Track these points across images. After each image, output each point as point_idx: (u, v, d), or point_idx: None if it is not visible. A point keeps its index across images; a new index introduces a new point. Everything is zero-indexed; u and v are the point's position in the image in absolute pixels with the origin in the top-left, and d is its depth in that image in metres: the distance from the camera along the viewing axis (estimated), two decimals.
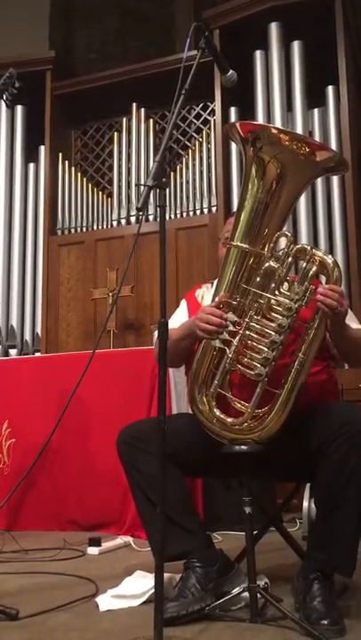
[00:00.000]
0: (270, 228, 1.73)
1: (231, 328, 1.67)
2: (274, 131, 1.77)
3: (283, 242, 1.72)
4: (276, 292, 1.68)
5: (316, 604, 1.58)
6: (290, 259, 1.69)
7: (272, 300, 1.68)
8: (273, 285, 1.69)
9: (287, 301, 1.66)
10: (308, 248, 1.71)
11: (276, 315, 1.67)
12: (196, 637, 1.46)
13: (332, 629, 1.50)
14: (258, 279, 1.70)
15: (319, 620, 1.53)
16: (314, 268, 1.68)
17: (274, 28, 4.56)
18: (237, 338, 1.68)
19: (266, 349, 1.65)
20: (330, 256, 1.70)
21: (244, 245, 1.73)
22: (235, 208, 1.95)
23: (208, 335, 1.70)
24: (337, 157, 1.74)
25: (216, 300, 1.74)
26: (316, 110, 4.54)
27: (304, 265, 1.69)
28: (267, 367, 1.64)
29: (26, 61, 4.97)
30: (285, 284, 1.70)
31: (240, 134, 1.76)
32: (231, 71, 1.88)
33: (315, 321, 1.66)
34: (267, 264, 1.70)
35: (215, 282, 1.87)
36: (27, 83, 2.19)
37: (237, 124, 1.78)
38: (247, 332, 1.67)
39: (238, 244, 1.74)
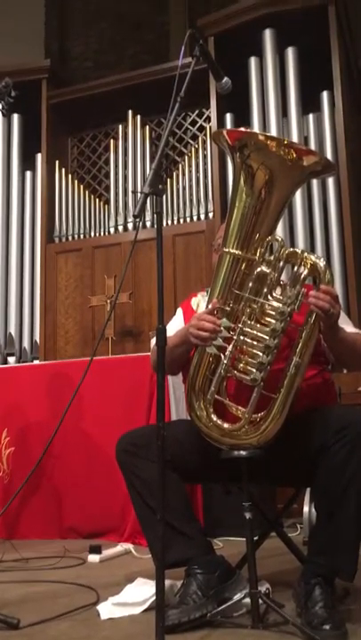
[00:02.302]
0: (261, 233, 1.73)
1: (225, 334, 1.67)
2: (260, 137, 1.78)
3: (275, 246, 1.73)
4: (269, 297, 1.69)
5: (317, 609, 1.57)
6: (281, 263, 1.70)
7: (265, 305, 1.68)
8: (265, 290, 1.69)
9: (280, 305, 1.66)
10: (300, 252, 1.71)
11: (269, 319, 1.67)
12: None
13: (334, 634, 1.50)
14: (250, 284, 1.70)
15: (321, 625, 1.52)
16: (306, 272, 1.69)
17: (268, 35, 4.59)
18: (232, 344, 1.68)
19: (260, 354, 1.65)
20: (322, 259, 1.70)
21: (236, 251, 1.73)
22: None
23: (202, 342, 1.70)
24: (323, 161, 1.75)
25: (209, 306, 1.74)
26: (311, 116, 4.57)
27: (296, 269, 1.69)
28: (262, 372, 1.65)
29: (21, 70, 4.99)
30: (278, 288, 1.71)
31: (228, 142, 1.77)
32: (226, 78, 1.89)
33: (308, 323, 1.66)
34: (258, 269, 1.70)
35: (209, 289, 1.87)
36: (23, 92, 2.20)
37: (224, 132, 1.79)
38: (241, 338, 1.68)
39: (230, 250, 1.74)
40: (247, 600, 1.62)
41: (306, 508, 2.70)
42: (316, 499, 1.78)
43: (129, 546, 2.79)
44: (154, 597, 1.47)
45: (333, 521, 1.64)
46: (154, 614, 1.36)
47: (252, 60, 4.65)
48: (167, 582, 1.66)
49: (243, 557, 1.93)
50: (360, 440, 1.60)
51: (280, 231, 1.70)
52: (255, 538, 1.81)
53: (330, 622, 1.52)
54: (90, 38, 6.28)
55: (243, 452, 1.68)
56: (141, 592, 1.85)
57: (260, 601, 1.59)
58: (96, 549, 2.61)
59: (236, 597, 1.65)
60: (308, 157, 1.72)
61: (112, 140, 5.32)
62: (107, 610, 1.79)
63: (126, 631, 1.62)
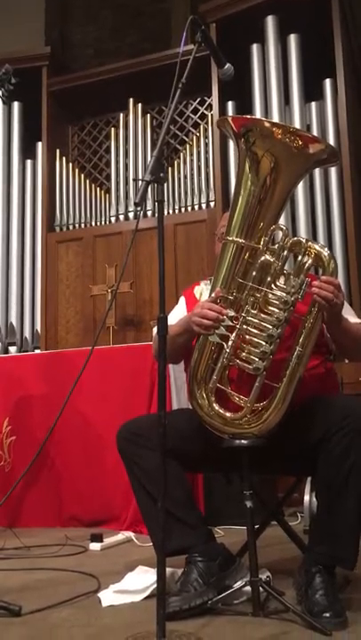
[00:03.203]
0: (265, 222, 1.72)
1: (228, 323, 1.67)
2: (266, 124, 1.77)
3: (279, 235, 1.72)
4: (273, 286, 1.68)
5: (318, 596, 1.58)
6: (285, 252, 1.69)
7: (269, 294, 1.68)
8: (269, 279, 1.68)
9: (283, 295, 1.66)
10: (304, 241, 1.71)
11: (272, 308, 1.67)
12: (198, 631, 1.47)
13: (335, 622, 1.51)
14: (254, 273, 1.69)
15: (321, 612, 1.53)
16: (310, 261, 1.68)
17: (270, 22, 4.54)
18: (235, 332, 1.68)
19: (263, 343, 1.65)
20: (326, 248, 1.70)
21: (240, 240, 1.72)
22: None
23: (205, 330, 1.69)
24: (329, 149, 1.74)
25: (212, 295, 1.73)
26: (313, 104, 4.53)
27: (300, 258, 1.69)
28: (265, 361, 1.64)
29: (21, 58, 4.95)
30: (282, 277, 1.70)
31: (233, 129, 1.76)
32: (228, 64, 1.88)
33: (311, 313, 1.66)
34: (262, 258, 1.69)
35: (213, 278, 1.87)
36: (23, 79, 2.18)
37: (229, 119, 1.78)
38: (244, 327, 1.67)
39: (234, 238, 1.73)
40: (248, 588, 1.63)
41: (307, 497, 2.71)
42: (317, 488, 1.79)
43: (130, 534, 2.81)
44: (155, 585, 1.48)
45: (334, 510, 1.64)
46: (155, 602, 1.37)
47: (255, 47, 4.61)
48: (168, 570, 1.67)
49: (243, 545, 1.94)
50: None
51: (282, 220, 1.68)
52: (256, 526, 1.81)
53: (330, 610, 1.53)
54: (91, 26, 6.22)
55: (244, 442, 1.68)
56: (142, 580, 1.86)
57: (261, 589, 1.60)
58: (97, 538, 2.63)
59: (237, 585, 1.66)
60: (314, 145, 1.71)
61: (113, 129, 5.28)
62: (108, 597, 1.80)
63: (127, 618, 1.63)
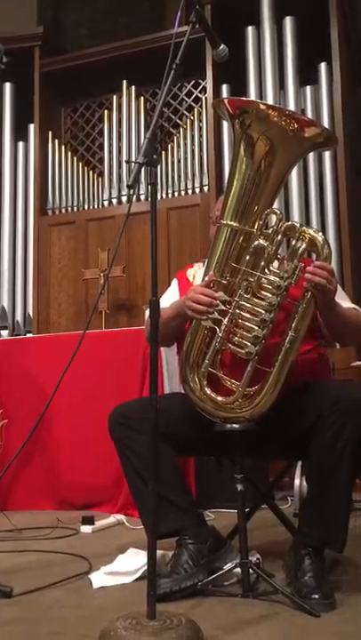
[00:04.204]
0: (260, 206, 1.72)
1: (221, 307, 1.67)
2: (262, 107, 1.76)
3: (273, 219, 1.71)
4: (266, 271, 1.68)
5: (307, 578, 1.60)
6: (279, 236, 1.69)
7: (262, 279, 1.67)
8: (263, 263, 1.68)
9: (277, 279, 1.66)
10: (298, 225, 1.70)
11: (265, 293, 1.67)
12: (188, 613, 1.48)
13: (323, 603, 1.52)
14: (248, 257, 1.69)
15: (310, 594, 1.55)
16: (303, 246, 1.67)
17: (266, 4, 4.50)
18: (227, 317, 1.68)
19: (256, 328, 1.65)
20: (320, 233, 1.69)
21: (234, 224, 1.72)
22: None
23: (198, 315, 1.69)
24: (325, 133, 1.73)
25: (206, 279, 1.73)
26: (308, 88, 4.50)
27: (293, 242, 1.68)
28: (257, 345, 1.65)
29: (13, 37, 4.86)
30: (275, 261, 1.70)
31: (228, 110, 1.74)
32: (223, 45, 1.85)
33: (304, 299, 1.66)
34: (256, 242, 1.69)
35: (206, 261, 1.86)
36: (14, 60, 2.15)
37: (225, 100, 1.76)
38: (237, 311, 1.67)
39: (228, 222, 1.72)
40: (238, 570, 1.64)
41: (297, 481, 2.73)
42: (307, 471, 1.80)
43: (121, 517, 2.82)
44: (145, 567, 1.49)
45: (324, 493, 1.66)
46: (145, 583, 1.37)
47: (250, 30, 4.56)
48: (159, 552, 1.68)
49: (234, 528, 1.96)
50: (352, 414, 1.61)
51: (275, 205, 1.68)
52: (246, 509, 1.82)
53: (319, 592, 1.55)
54: (84, 6, 6.12)
55: (236, 426, 1.69)
56: (133, 562, 1.87)
57: (251, 570, 1.62)
58: (89, 520, 2.64)
59: (227, 567, 1.68)
60: (309, 129, 1.70)
61: (106, 111, 5.23)
62: (99, 579, 1.81)
63: (118, 600, 1.65)
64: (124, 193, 4.96)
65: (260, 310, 1.65)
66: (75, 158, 5.22)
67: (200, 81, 4.95)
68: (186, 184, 4.80)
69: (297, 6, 4.41)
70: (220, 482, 2.85)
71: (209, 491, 2.96)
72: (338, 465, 1.63)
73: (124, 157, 5.01)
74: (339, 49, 4.29)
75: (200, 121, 4.85)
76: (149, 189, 1.54)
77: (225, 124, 4.64)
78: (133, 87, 5.09)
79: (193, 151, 4.82)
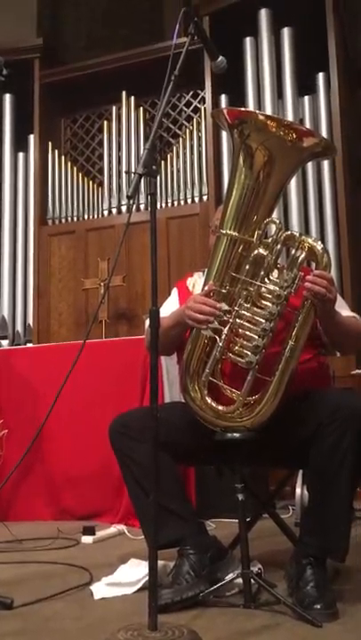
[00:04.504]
0: (259, 215, 1.72)
1: (222, 317, 1.67)
2: (261, 117, 1.77)
3: (272, 229, 1.72)
4: (266, 280, 1.68)
5: (309, 588, 1.59)
6: (279, 245, 1.69)
7: (262, 288, 1.68)
8: (262, 273, 1.68)
9: (277, 288, 1.66)
10: (297, 235, 1.71)
11: (265, 302, 1.67)
12: (190, 623, 1.47)
13: (325, 613, 1.52)
14: (247, 267, 1.69)
15: (312, 604, 1.54)
16: (303, 255, 1.68)
17: (264, 15, 4.53)
18: (227, 326, 1.68)
19: (256, 337, 1.65)
20: (319, 242, 1.70)
21: (233, 233, 1.72)
22: None
23: (198, 324, 1.70)
24: (324, 142, 1.74)
25: (206, 288, 1.73)
26: (306, 98, 4.53)
27: (293, 252, 1.69)
28: (257, 355, 1.65)
29: (13, 49, 4.90)
30: (275, 271, 1.70)
31: (227, 120, 1.75)
32: (221, 57, 1.87)
33: (304, 307, 1.66)
34: (256, 251, 1.70)
35: (206, 270, 1.87)
36: (14, 71, 2.16)
37: (224, 111, 1.78)
38: (237, 321, 1.68)
39: (227, 231, 1.73)
40: (239, 580, 1.63)
41: (298, 490, 2.72)
42: (308, 480, 1.80)
43: (122, 527, 2.81)
44: (147, 577, 1.48)
45: (325, 502, 1.65)
46: (147, 594, 1.37)
47: (248, 41, 4.60)
48: (160, 563, 1.67)
49: (235, 538, 1.95)
50: (352, 422, 1.61)
51: (274, 214, 1.69)
52: (248, 519, 1.82)
53: (321, 602, 1.54)
54: (83, 17, 6.17)
55: (236, 435, 1.68)
56: (134, 572, 1.87)
57: (252, 581, 1.61)
58: (89, 531, 2.63)
59: (229, 577, 1.67)
60: (308, 138, 1.71)
61: (106, 122, 5.26)
62: (100, 590, 1.80)
63: (119, 611, 1.64)
64: (123, 203, 4.98)
65: (261, 319, 1.66)
66: (75, 168, 5.24)
67: (199, 91, 4.98)
68: (185, 194, 4.82)
69: (295, 17, 4.44)
70: (221, 491, 2.85)
71: (210, 500, 2.95)
72: (338, 473, 1.62)
73: (124, 167, 5.03)
74: (336, 59, 4.31)
75: (199, 131, 4.88)
76: (149, 199, 1.55)
77: (224, 134, 4.66)
78: (133, 98, 5.12)
79: (192, 161, 4.84)
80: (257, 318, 1.66)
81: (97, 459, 3.02)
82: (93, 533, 2.62)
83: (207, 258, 1.81)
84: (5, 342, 5.04)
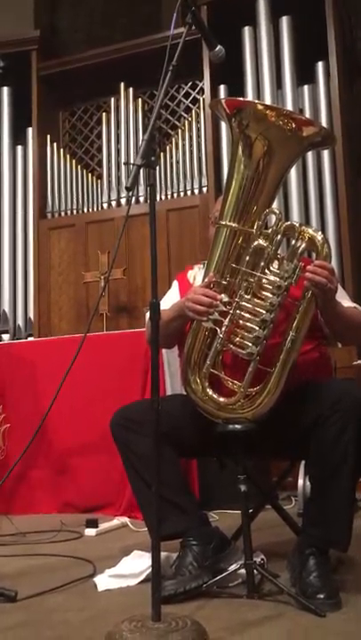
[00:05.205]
0: (259, 206, 1.72)
1: (222, 308, 1.67)
2: (259, 107, 1.76)
3: (272, 219, 1.71)
4: (266, 271, 1.68)
5: (312, 578, 1.60)
6: (279, 236, 1.69)
7: (262, 279, 1.67)
8: (262, 264, 1.68)
9: (277, 279, 1.65)
10: (297, 225, 1.70)
11: (266, 293, 1.67)
12: (193, 614, 1.48)
13: (328, 603, 1.52)
14: (247, 258, 1.69)
15: (315, 594, 1.55)
16: (303, 245, 1.67)
17: (262, 4, 4.50)
18: (228, 317, 1.67)
19: (257, 328, 1.65)
20: (319, 233, 1.69)
21: (233, 224, 1.72)
22: None
23: (199, 316, 1.69)
24: (323, 132, 1.73)
25: (206, 280, 1.73)
26: (306, 87, 4.50)
27: (293, 242, 1.68)
28: (258, 346, 1.64)
29: (10, 42, 4.88)
30: (275, 261, 1.70)
31: (226, 111, 1.74)
32: (219, 46, 1.85)
33: (305, 298, 1.65)
34: (256, 242, 1.69)
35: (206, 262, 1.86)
36: (12, 64, 2.16)
37: (223, 101, 1.77)
38: (238, 312, 1.67)
39: (227, 223, 1.72)
40: (242, 571, 1.64)
41: (300, 481, 2.72)
42: (310, 470, 1.80)
43: (125, 519, 2.82)
44: (150, 569, 1.49)
45: (327, 492, 1.65)
46: (150, 585, 1.37)
47: (246, 30, 4.57)
48: (163, 554, 1.68)
49: (238, 529, 1.96)
50: (354, 412, 1.61)
51: (274, 204, 1.68)
52: (250, 510, 1.82)
53: (324, 591, 1.55)
54: (81, 8, 6.13)
55: (238, 426, 1.68)
56: (137, 564, 1.87)
57: (255, 571, 1.61)
58: (93, 523, 2.64)
59: (232, 568, 1.67)
60: (307, 128, 1.70)
61: (104, 114, 5.23)
62: (103, 582, 1.81)
63: (123, 602, 1.64)
64: (123, 195, 4.96)
65: (261, 310, 1.65)
66: (73, 161, 5.22)
67: (197, 82, 4.96)
68: (185, 185, 4.80)
69: (293, 6, 4.41)
70: (224, 483, 2.85)
71: (212, 491, 2.96)
72: (340, 464, 1.62)
73: (123, 159, 5.01)
74: (335, 47, 4.29)
75: (198, 122, 4.85)
76: (148, 191, 1.54)
77: (223, 125, 4.64)
78: (131, 89, 5.09)
79: (191, 152, 4.82)
80: (258, 309, 1.66)
81: (99, 451, 3.02)
82: (96, 526, 2.63)
83: (207, 250, 1.80)
84: (6, 336, 5.04)
